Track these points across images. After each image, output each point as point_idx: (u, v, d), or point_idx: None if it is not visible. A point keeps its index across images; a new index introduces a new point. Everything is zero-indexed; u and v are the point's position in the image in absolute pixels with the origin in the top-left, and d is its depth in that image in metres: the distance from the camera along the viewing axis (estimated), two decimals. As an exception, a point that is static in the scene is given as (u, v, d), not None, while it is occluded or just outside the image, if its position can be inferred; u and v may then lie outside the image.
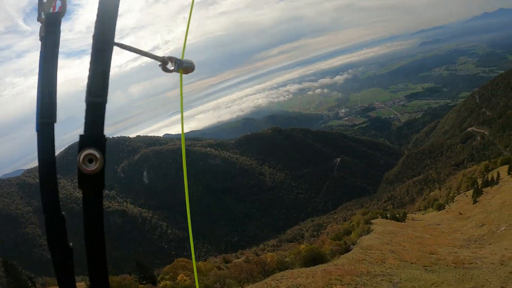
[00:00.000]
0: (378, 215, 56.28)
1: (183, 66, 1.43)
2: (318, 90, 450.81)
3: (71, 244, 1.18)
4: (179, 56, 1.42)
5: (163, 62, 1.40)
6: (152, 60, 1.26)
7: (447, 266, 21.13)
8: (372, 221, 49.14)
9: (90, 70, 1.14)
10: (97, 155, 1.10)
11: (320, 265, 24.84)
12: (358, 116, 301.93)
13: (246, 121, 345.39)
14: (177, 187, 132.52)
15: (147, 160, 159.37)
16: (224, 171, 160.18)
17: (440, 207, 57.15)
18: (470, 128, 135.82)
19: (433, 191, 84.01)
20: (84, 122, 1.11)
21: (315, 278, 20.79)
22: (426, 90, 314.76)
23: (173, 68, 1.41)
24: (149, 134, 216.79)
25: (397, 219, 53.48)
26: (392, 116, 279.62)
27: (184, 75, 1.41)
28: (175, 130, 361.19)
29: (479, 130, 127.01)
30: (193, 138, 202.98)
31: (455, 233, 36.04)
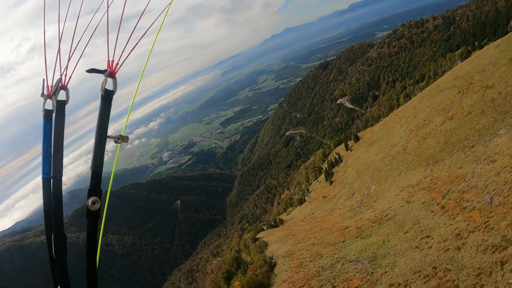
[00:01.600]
0: (257, 230, 58.09)
1: (124, 139, 2.12)
2: (136, 141, 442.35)
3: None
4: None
5: (118, 138, 2.11)
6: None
7: (372, 227, 23.33)
8: (258, 236, 50.31)
9: (93, 151, 1.97)
10: (98, 200, 1.94)
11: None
12: (182, 155, 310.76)
13: (72, 193, 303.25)
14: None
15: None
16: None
17: (301, 201, 63.59)
18: (288, 132, 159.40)
19: (283, 193, 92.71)
20: (90, 182, 1.94)
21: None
22: (238, 113, 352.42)
23: (119, 141, 2.13)
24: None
25: (276, 226, 56.42)
26: (213, 145, 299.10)
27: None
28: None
29: (296, 131, 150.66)
30: (21, 230, 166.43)
31: (335, 211, 40.65)
